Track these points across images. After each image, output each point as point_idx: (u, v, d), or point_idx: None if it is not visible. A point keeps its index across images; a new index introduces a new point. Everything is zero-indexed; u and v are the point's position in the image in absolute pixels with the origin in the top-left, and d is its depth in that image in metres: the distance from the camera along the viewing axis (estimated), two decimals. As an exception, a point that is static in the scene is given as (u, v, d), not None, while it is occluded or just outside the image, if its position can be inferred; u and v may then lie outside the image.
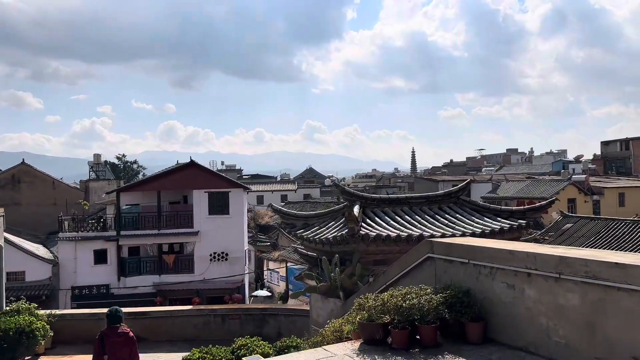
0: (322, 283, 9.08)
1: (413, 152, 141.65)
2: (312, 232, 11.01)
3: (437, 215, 11.70)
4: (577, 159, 71.94)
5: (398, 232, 10.06)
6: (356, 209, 10.33)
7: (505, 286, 5.08)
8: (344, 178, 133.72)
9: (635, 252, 26.87)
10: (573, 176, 46.10)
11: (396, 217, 11.08)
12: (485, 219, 11.94)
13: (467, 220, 11.66)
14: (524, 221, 11.67)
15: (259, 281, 39.23)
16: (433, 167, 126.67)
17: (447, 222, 11.42)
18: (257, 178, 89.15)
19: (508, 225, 11.39)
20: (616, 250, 27.78)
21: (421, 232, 10.36)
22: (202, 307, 17.60)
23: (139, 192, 31.51)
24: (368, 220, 10.53)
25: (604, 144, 77.38)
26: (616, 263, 4.12)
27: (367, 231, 9.41)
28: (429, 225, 11.02)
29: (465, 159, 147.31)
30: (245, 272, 32.56)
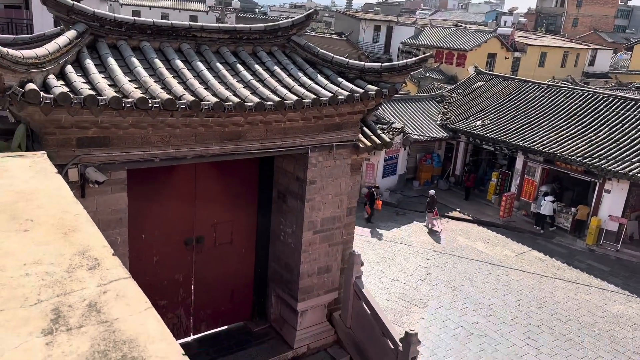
0: None
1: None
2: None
3: (240, 65, 7.26)
4: (511, 11, 67.55)
5: (131, 89, 5.63)
6: (62, 39, 5.63)
7: None
8: (273, 5, 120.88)
9: (541, 119, 24.16)
10: (499, 29, 42.20)
11: (157, 61, 6.54)
12: (320, 77, 7.72)
13: (287, 79, 7.37)
14: (376, 87, 7.60)
15: None
16: (367, 3, 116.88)
17: (251, 78, 7.06)
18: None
19: (348, 93, 7.28)
20: (522, 118, 24.99)
21: (186, 92, 6.01)
22: None
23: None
24: (88, 63, 5.90)
25: (542, -3, 72.93)
26: None
27: (36, 88, 4.84)
28: (215, 82, 6.65)
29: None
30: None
